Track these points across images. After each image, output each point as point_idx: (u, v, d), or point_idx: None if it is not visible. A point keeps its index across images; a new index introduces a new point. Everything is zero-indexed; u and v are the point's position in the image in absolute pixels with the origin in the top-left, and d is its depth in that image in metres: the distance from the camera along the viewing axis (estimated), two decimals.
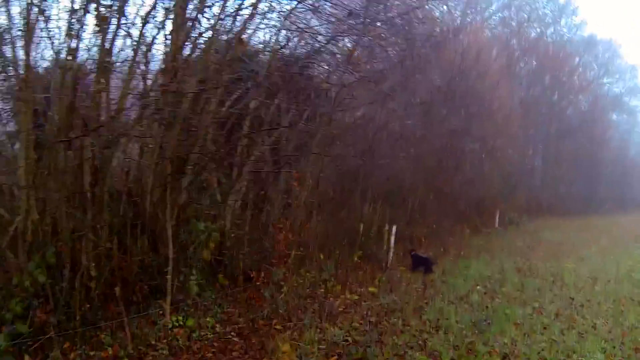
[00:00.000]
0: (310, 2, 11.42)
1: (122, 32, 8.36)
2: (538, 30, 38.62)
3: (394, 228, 14.37)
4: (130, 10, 8.54)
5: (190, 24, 9.23)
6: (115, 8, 7.84)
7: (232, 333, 8.32)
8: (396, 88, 15.65)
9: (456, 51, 20.42)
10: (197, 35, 9.55)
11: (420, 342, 8.34)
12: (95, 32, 7.80)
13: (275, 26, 11.27)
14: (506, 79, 26.51)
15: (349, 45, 13.79)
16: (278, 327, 8.69)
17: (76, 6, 7.55)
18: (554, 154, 38.14)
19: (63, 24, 7.67)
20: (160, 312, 8.13)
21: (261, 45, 11.91)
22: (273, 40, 11.73)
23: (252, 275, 10.37)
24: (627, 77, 53.23)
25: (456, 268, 14.75)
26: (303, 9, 11.81)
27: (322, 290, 11.02)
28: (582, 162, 40.28)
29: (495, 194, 26.73)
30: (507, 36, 34.13)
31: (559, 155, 38.01)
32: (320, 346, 7.85)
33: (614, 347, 8.55)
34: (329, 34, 12.42)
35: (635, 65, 62.58)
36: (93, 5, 7.59)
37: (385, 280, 12.58)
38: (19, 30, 7.36)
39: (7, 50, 7.46)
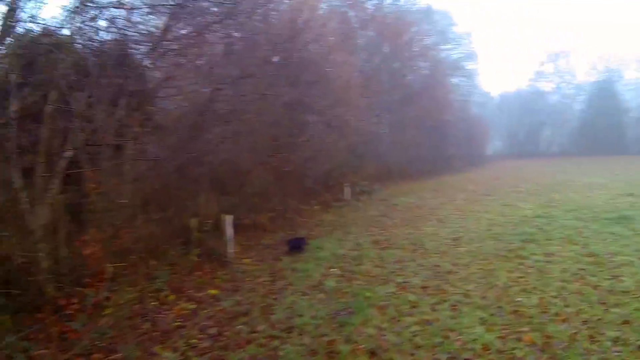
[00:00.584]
0: None
1: None
2: (376, 1, 38.53)
3: (230, 218, 12.43)
4: None
5: None
6: None
7: None
8: (221, 63, 14.30)
9: (291, 22, 18.92)
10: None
11: (270, 352, 6.81)
12: None
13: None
14: (345, 50, 25.19)
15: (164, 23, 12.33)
16: None
17: None
18: (399, 120, 37.75)
19: None
20: None
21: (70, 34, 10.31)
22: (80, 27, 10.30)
23: (62, 303, 8.07)
24: (464, 43, 56.58)
25: (307, 251, 13.13)
26: None
27: (155, 303, 9.01)
28: (427, 124, 40.43)
29: (343, 166, 25.41)
30: (345, 9, 33.63)
31: (404, 120, 37.62)
32: None
33: (492, 315, 7.72)
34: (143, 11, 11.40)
35: (470, 32, 68.47)
36: None
37: (227, 278, 10.73)
38: None
39: None
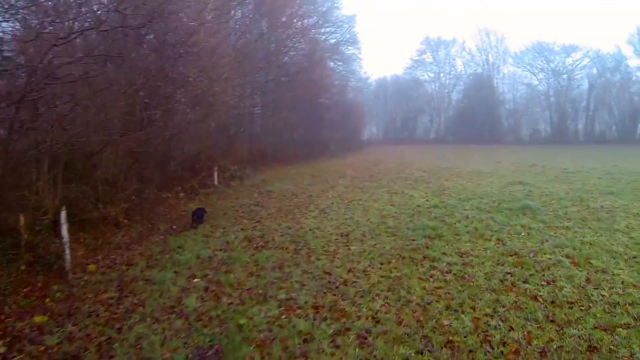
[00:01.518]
0: None
1: None
2: None
3: (64, 213, 9.61)
4: None
5: None
6: None
7: None
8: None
9: None
10: None
11: None
12: None
13: None
14: (219, 22, 22.72)
15: None
16: None
17: None
18: (274, 100, 35.90)
19: None
20: None
21: None
22: None
23: None
24: (345, 27, 55.24)
25: (167, 252, 10.95)
26: None
27: None
28: (303, 107, 38.98)
29: (212, 148, 23.04)
30: None
31: (279, 101, 35.82)
32: None
33: (420, 353, 5.85)
34: None
35: (354, 15, 67.48)
36: None
37: (62, 297, 8.12)
38: None
39: None
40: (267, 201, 17.93)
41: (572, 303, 7.08)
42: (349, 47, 57.53)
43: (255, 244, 11.36)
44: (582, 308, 6.90)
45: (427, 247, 10.47)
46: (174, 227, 13.74)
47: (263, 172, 27.69)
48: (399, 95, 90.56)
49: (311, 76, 39.45)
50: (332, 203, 16.99)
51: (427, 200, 16.94)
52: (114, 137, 13.79)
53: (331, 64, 52.84)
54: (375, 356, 5.75)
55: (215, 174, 21.52)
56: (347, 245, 10.91)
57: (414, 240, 11.18)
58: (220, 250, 10.93)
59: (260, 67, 32.96)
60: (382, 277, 8.57)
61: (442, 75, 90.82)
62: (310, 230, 12.61)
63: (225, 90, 21.17)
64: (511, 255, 9.70)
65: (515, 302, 7.21)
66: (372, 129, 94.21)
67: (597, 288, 7.68)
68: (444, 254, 9.95)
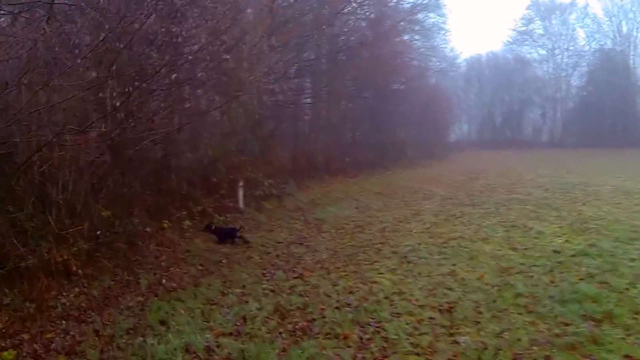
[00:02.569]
0: None
1: None
2: None
3: None
4: None
5: None
6: None
7: None
8: None
9: None
10: None
11: None
12: None
13: None
14: None
15: None
16: None
17: None
18: (327, 87, 32.48)
19: None
20: None
21: None
22: None
23: None
24: None
25: (139, 332, 8.44)
26: None
27: None
28: (368, 96, 35.54)
29: (236, 153, 20.29)
30: None
31: (334, 88, 32.28)
32: None
33: None
34: None
35: None
36: None
37: None
38: None
39: None
40: (315, 237, 15.25)
41: None
42: (430, 15, 52.75)
43: (291, 326, 8.46)
44: None
45: (594, 342, 7.30)
46: (164, 281, 11.08)
47: (311, 189, 24.95)
48: (498, 81, 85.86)
49: (378, 52, 35.44)
50: (419, 244, 13.93)
51: (566, 241, 13.70)
52: (65, 134, 11.10)
53: (406, 36, 48.68)
54: None
55: (241, 192, 18.85)
56: (452, 335, 7.87)
57: (566, 324, 8.00)
58: (230, 334, 8.16)
59: (306, 40, 29.73)
60: None
61: (556, 52, 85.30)
62: (386, 297, 9.62)
63: (254, 66, 18.32)
64: None
65: None
66: (462, 128, 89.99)
67: None
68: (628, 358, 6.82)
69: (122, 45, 12.43)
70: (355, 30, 36.28)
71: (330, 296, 9.79)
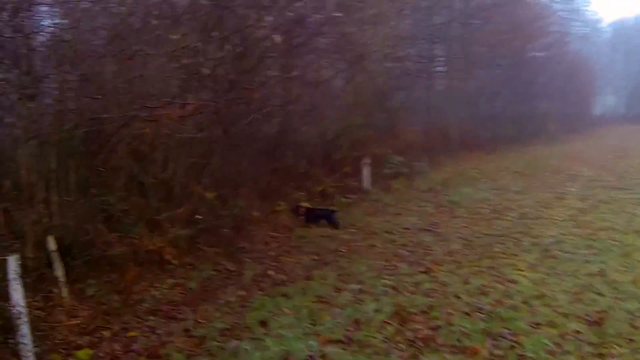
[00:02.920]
0: None
1: None
2: None
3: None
4: None
5: None
6: None
7: None
8: None
9: None
10: None
11: None
12: None
13: None
14: None
15: None
16: None
17: None
18: (459, 54, 30.27)
19: None
20: None
21: None
22: None
23: None
24: None
25: (235, 332, 7.44)
26: None
27: None
28: (504, 64, 33.01)
29: (361, 127, 18.86)
30: None
31: (468, 55, 30.08)
32: None
33: None
34: None
35: None
36: None
37: None
38: None
39: None
40: (447, 223, 13.56)
41: None
42: None
43: (411, 333, 7.02)
44: None
45: None
46: (271, 272, 9.85)
47: (444, 166, 22.90)
48: None
49: (514, 15, 32.76)
50: (563, 234, 12.01)
51: None
52: (158, 107, 9.95)
53: None
54: None
55: (366, 171, 17.32)
56: (601, 356, 6.25)
57: None
58: (339, 342, 6.83)
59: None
60: None
61: None
62: (525, 302, 7.94)
63: (379, 30, 16.66)
64: None
65: None
66: (607, 100, 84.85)
67: None
68: None
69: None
70: None
71: (459, 297, 8.21)
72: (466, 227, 13.04)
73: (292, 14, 12.80)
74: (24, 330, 6.39)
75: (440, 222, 13.54)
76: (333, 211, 13.67)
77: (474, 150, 27.76)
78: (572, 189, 17.97)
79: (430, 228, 12.99)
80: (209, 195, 11.27)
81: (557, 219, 13.57)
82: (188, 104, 10.46)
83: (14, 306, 6.45)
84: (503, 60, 32.08)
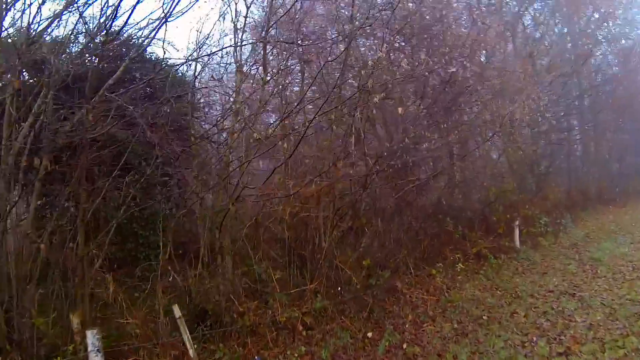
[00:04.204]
0: None
1: None
2: None
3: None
4: None
5: None
6: None
7: None
8: None
9: None
10: None
11: None
12: None
13: None
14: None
15: None
16: None
17: None
18: (593, 122, 26.39)
19: None
20: None
21: None
22: None
23: None
24: None
25: None
26: None
27: None
28: (631, 128, 28.54)
29: (512, 192, 16.38)
30: None
31: (599, 119, 25.91)
32: None
33: None
34: None
35: None
36: None
37: None
38: None
39: None
40: (590, 284, 10.79)
41: None
42: None
43: None
44: None
45: None
46: (405, 345, 7.82)
47: (585, 221, 19.54)
48: None
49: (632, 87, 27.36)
50: None
51: None
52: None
53: None
54: None
55: (517, 231, 14.72)
56: None
57: None
58: None
59: (568, 72, 23.30)
60: None
61: None
62: None
63: (524, 108, 14.14)
64: None
65: None
66: None
67: None
68: None
69: None
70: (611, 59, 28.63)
71: None
72: (608, 289, 10.21)
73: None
74: None
75: (583, 284, 10.79)
76: None
77: (609, 203, 24.03)
78: None
79: (572, 291, 10.27)
80: (366, 262, 9.36)
81: None
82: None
83: None
84: (628, 124, 27.78)
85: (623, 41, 26.57)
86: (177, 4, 8.10)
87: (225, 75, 11.10)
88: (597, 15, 24.02)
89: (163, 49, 17.56)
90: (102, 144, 7.93)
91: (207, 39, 11.86)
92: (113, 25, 8.11)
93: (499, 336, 7.88)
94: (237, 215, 9.00)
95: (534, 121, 15.61)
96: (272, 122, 12.31)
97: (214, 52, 9.70)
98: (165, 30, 10.24)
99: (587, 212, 21.35)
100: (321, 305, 8.40)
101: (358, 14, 9.50)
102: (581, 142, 26.44)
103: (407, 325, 8.55)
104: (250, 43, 10.50)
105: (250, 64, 10.45)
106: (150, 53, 11.25)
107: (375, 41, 12.07)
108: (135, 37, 9.49)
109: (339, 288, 9.00)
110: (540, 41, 22.33)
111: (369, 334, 8.11)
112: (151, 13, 13.36)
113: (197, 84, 11.38)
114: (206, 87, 11.45)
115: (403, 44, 12.95)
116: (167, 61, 11.20)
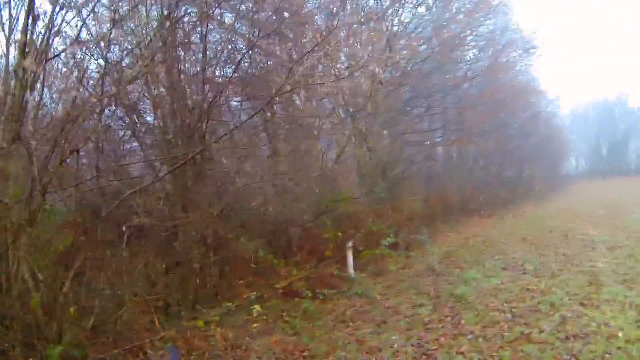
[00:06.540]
0: None
1: None
2: None
3: None
4: None
5: None
6: None
7: None
8: None
9: None
10: None
11: None
12: None
13: None
14: None
15: None
16: None
17: None
18: (457, 125, 23.14)
19: None
20: None
21: None
22: None
23: None
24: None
25: None
26: None
27: None
28: (497, 134, 25.87)
29: (351, 202, 12.13)
30: None
31: (462, 121, 22.90)
32: None
33: None
34: None
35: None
36: None
37: None
38: None
39: None
40: (448, 347, 6.21)
41: None
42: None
43: None
44: None
45: None
46: None
47: (446, 236, 15.75)
48: (601, 119, 73.72)
49: (504, 83, 25.17)
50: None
51: None
52: None
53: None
54: None
55: (350, 255, 10.36)
56: None
57: None
58: None
59: (421, 44, 19.29)
60: None
61: None
62: None
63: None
64: None
65: None
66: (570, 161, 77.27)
67: None
68: None
69: None
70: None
71: None
72: (481, 333, 6.40)
73: None
74: None
75: (438, 349, 6.21)
76: None
77: (474, 214, 20.75)
78: (600, 264, 10.49)
79: (425, 346, 6.17)
80: None
81: (614, 332, 6.25)
82: None
83: None
84: (494, 130, 24.82)
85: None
86: None
87: None
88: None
89: None
90: None
91: None
92: None
93: None
94: None
95: None
96: None
97: None
98: None
99: (448, 224, 17.62)
100: None
101: None
102: (443, 146, 23.06)
103: None
104: None
105: None
106: None
107: None
108: None
109: None
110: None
111: None
112: None
113: None
114: None
115: None
116: None
